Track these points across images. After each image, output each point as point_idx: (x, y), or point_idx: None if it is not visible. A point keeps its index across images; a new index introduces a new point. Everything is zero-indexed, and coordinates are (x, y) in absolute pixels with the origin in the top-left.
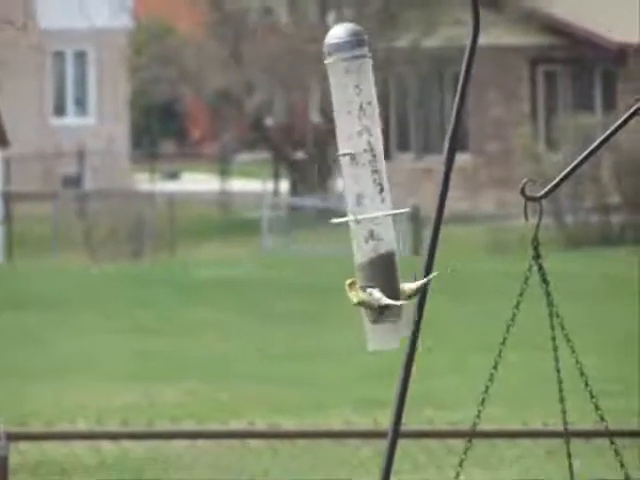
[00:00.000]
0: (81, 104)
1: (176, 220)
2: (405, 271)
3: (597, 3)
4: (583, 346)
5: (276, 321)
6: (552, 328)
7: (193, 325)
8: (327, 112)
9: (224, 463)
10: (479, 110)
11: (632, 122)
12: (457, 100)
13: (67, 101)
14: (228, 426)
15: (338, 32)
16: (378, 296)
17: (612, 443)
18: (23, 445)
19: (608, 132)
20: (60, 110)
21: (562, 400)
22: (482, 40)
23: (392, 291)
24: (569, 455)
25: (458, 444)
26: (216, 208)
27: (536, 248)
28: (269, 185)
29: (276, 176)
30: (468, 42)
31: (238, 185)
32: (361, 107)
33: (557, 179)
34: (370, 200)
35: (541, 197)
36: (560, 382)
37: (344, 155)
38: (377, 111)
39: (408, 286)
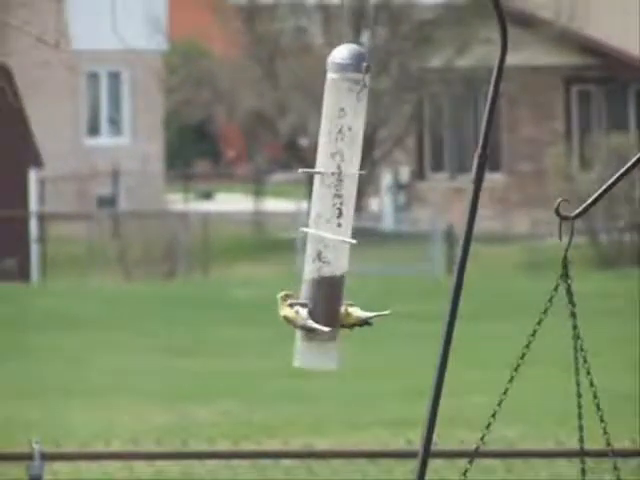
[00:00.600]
0: (115, 124)
1: (210, 240)
2: (437, 291)
3: (630, 23)
4: (612, 364)
5: None
6: (575, 349)
7: (227, 345)
8: None
9: None
10: (512, 129)
11: None
12: (486, 117)
13: (101, 121)
14: (262, 446)
15: (342, 52)
16: (304, 316)
17: (615, 468)
18: (57, 465)
19: None
20: (94, 130)
21: (580, 420)
22: (516, 60)
23: (328, 313)
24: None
25: (491, 463)
26: (250, 228)
27: (565, 267)
28: (303, 205)
29: (310, 196)
30: (496, 61)
31: (272, 205)
32: (340, 130)
33: (591, 199)
34: (325, 221)
35: (575, 217)
36: (580, 406)
37: (313, 172)
38: (358, 139)
39: (357, 313)
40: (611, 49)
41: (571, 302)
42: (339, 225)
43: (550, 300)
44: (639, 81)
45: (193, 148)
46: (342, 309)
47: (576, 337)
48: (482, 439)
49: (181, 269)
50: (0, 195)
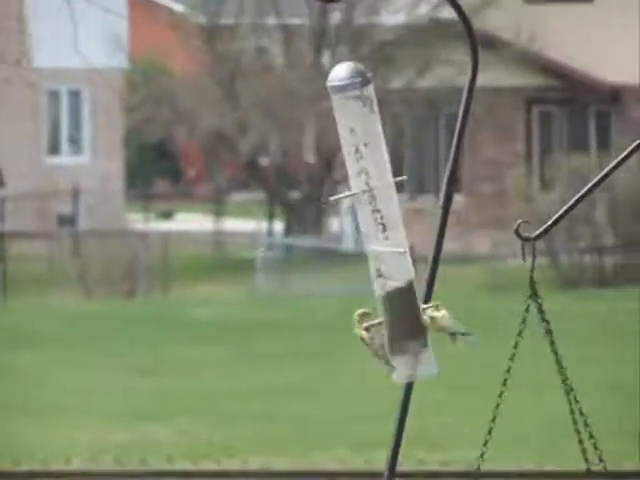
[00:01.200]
0: (75, 143)
1: (170, 259)
2: None
3: (591, 44)
4: (591, 389)
5: (270, 360)
6: (560, 367)
7: (187, 364)
8: (322, 152)
9: None
10: (472, 151)
11: (626, 162)
12: (455, 138)
13: (61, 140)
14: (222, 466)
15: (341, 70)
16: (377, 345)
17: None
18: None
19: (603, 173)
20: (55, 149)
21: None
22: (477, 81)
23: (408, 325)
24: None
25: None
26: (210, 248)
27: (533, 287)
28: (263, 225)
29: (270, 216)
30: (467, 82)
31: (232, 225)
32: (357, 149)
33: (551, 220)
34: (373, 238)
35: (536, 238)
36: (575, 422)
37: (345, 197)
38: (381, 149)
39: (441, 322)
40: (572, 70)
41: (544, 320)
42: (387, 238)
43: (523, 321)
44: (600, 102)
45: (153, 167)
46: (425, 315)
47: (555, 352)
48: (479, 467)
49: (141, 288)
50: None
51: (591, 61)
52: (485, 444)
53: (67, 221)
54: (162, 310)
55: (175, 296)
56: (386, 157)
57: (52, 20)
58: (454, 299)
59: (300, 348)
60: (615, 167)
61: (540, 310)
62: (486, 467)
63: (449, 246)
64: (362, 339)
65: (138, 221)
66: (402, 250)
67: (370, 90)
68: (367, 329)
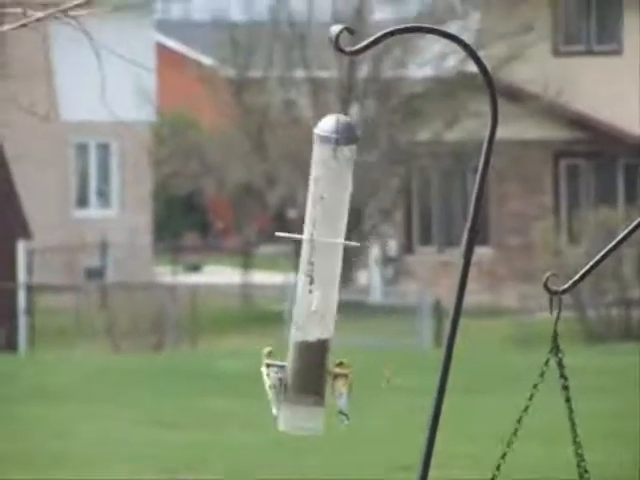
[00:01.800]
0: (104, 196)
1: (198, 312)
2: (424, 364)
3: (619, 97)
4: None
5: None
6: (572, 423)
7: (215, 417)
8: (350, 203)
9: None
10: (500, 204)
11: None
12: (476, 190)
13: (90, 193)
14: None
15: (327, 122)
16: (270, 383)
17: None
18: None
19: (631, 227)
20: (83, 202)
21: None
22: (504, 134)
23: (307, 380)
24: None
25: None
26: (238, 300)
27: (555, 341)
28: (291, 277)
29: (298, 268)
30: (487, 133)
31: (260, 278)
32: (322, 197)
33: (579, 274)
34: (301, 288)
35: (564, 291)
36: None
37: (289, 237)
38: (341, 206)
39: (336, 400)
40: (599, 123)
41: (563, 376)
42: (310, 292)
43: (542, 375)
44: (628, 155)
45: (182, 220)
46: (329, 374)
47: (570, 410)
48: None
49: (169, 341)
50: None
51: (619, 114)
52: None
53: (95, 274)
54: (190, 362)
55: (203, 349)
56: (344, 218)
57: (80, 73)
58: (480, 352)
59: (326, 400)
60: None
61: (560, 365)
62: None
63: (476, 298)
64: (263, 373)
65: (166, 274)
66: (313, 309)
67: (351, 149)
68: (268, 366)
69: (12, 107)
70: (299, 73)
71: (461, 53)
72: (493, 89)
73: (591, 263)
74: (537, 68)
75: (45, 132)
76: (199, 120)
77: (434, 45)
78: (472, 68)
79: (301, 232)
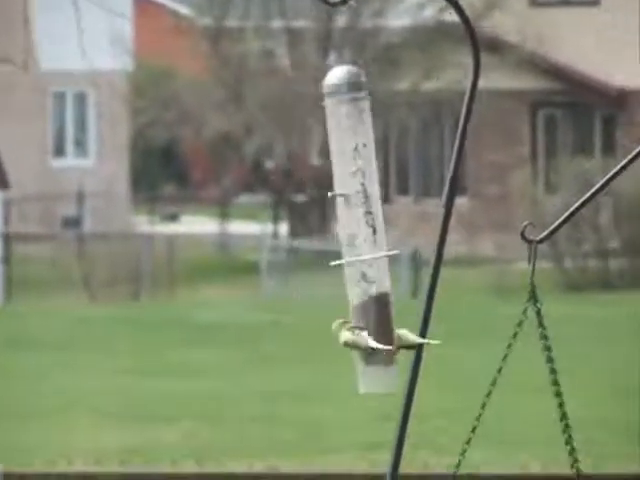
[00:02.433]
0: (81, 145)
1: (175, 262)
2: (402, 315)
3: (597, 48)
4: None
5: (276, 363)
6: (551, 372)
7: (192, 366)
8: (327, 154)
9: None
10: (477, 154)
11: (631, 166)
12: (457, 141)
13: (67, 142)
14: (227, 468)
15: (337, 74)
16: (366, 338)
17: None
18: None
19: (607, 176)
20: (60, 151)
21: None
22: (482, 84)
23: (384, 334)
24: None
25: None
26: (215, 250)
27: (532, 291)
28: (268, 228)
29: (276, 219)
30: (468, 84)
31: (237, 228)
32: (356, 148)
33: (556, 223)
34: (362, 241)
35: (541, 240)
36: (567, 426)
37: (338, 196)
38: (373, 153)
39: (407, 337)
40: (577, 73)
41: (541, 325)
42: (375, 242)
43: (520, 324)
44: (605, 106)
45: (159, 170)
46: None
47: (549, 359)
48: (458, 466)
49: (146, 291)
50: None
51: (597, 64)
52: (468, 442)
53: (72, 224)
54: (166, 312)
55: (180, 299)
56: (375, 165)
57: (57, 23)
58: (457, 301)
59: (305, 350)
60: (620, 171)
61: (538, 314)
62: (473, 470)
63: (454, 249)
64: (347, 344)
65: (143, 224)
66: (396, 251)
67: (363, 94)
68: (351, 330)
69: None
70: (276, 23)
71: (439, 2)
72: (475, 39)
73: (568, 212)
74: (515, 19)
75: (22, 82)
76: (176, 70)
77: None
78: (450, 18)
79: (277, 183)
